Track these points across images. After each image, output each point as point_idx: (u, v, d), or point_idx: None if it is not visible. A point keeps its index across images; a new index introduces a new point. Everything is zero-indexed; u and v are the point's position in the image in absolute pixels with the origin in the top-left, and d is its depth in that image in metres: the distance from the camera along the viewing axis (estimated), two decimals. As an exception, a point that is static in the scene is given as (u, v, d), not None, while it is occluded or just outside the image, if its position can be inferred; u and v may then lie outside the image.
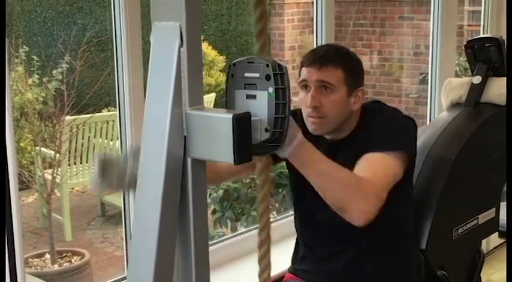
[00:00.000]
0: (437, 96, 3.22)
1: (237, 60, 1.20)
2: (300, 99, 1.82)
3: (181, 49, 1.11)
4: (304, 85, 1.81)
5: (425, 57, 6.03)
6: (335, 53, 1.86)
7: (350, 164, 1.81)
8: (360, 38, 7.18)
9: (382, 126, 1.83)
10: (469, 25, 6.71)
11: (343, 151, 1.85)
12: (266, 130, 1.15)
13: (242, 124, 1.10)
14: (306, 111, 1.82)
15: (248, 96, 1.18)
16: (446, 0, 3.29)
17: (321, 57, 1.81)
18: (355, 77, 1.84)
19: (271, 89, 1.15)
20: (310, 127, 1.82)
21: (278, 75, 1.14)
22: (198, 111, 1.13)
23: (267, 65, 1.15)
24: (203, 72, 6.74)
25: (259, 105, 1.16)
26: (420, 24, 6.63)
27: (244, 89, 1.18)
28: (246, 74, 1.17)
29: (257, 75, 1.16)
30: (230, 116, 1.09)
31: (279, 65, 1.15)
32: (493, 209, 2.22)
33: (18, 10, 7.02)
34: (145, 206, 1.17)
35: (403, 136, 1.83)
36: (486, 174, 2.20)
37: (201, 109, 1.14)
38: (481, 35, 3.29)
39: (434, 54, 3.37)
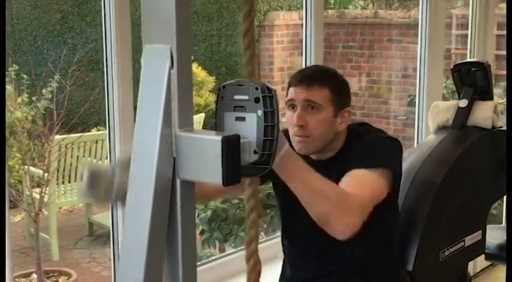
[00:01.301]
0: (425, 119, 3.26)
1: (226, 82, 1.22)
2: (287, 119, 1.84)
3: (172, 71, 1.13)
4: (291, 104, 1.83)
5: (413, 79, 6.06)
6: (322, 74, 1.89)
7: (335, 183, 1.83)
8: (349, 60, 7.23)
9: (367, 145, 1.85)
10: (456, 48, 6.78)
11: (329, 170, 1.85)
12: (255, 152, 1.17)
13: (231, 146, 1.11)
14: (292, 130, 1.83)
15: (237, 119, 1.19)
16: (434, 24, 3.33)
17: (308, 77, 1.84)
18: (341, 97, 1.86)
19: (260, 112, 1.16)
20: (296, 146, 1.84)
21: (267, 98, 1.16)
22: (188, 132, 1.15)
23: (256, 88, 1.16)
24: (193, 93, 6.76)
25: (249, 127, 1.18)
26: (408, 47, 6.69)
27: (234, 111, 1.19)
28: (236, 97, 1.19)
29: (246, 97, 1.18)
30: (219, 137, 1.10)
31: (268, 88, 1.17)
32: (480, 232, 2.24)
33: (8, 29, 7.03)
34: (134, 227, 1.17)
35: (388, 155, 1.85)
36: (472, 197, 2.22)
37: (191, 131, 1.16)
38: (468, 60, 3.33)
39: (421, 77, 3.41)
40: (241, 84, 1.19)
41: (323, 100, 1.81)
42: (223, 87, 1.21)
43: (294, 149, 1.81)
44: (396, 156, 1.87)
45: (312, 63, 2.80)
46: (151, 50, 1.16)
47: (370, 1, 8.65)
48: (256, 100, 1.16)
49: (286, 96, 1.85)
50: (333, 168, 1.86)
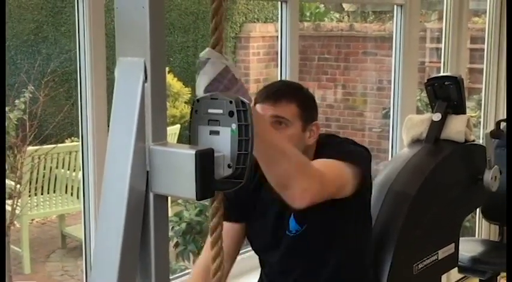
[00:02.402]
0: (399, 131, 3.28)
1: (200, 96, 1.21)
2: None
3: (146, 84, 1.12)
4: None
5: (388, 92, 6.12)
6: (288, 89, 1.88)
7: None
8: (325, 72, 7.27)
9: (336, 146, 1.86)
10: (431, 62, 6.86)
11: None
12: (229, 166, 1.16)
13: (205, 160, 1.11)
14: None
15: (211, 132, 1.18)
16: (408, 37, 3.36)
17: (275, 93, 1.83)
18: (309, 111, 1.86)
19: (234, 126, 1.16)
20: None
21: (241, 112, 1.16)
22: (161, 146, 1.14)
23: (231, 102, 1.16)
24: (168, 104, 6.74)
25: (223, 141, 1.17)
26: (383, 59, 6.75)
27: (208, 125, 1.19)
28: (210, 110, 1.19)
29: (220, 111, 1.17)
30: (193, 151, 1.10)
31: (242, 102, 1.16)
32: (453, 245, 2.26)
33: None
34: (106, 240, 1.16)
35: (356, 153, 1.85)
36: (446, 210, 2.24)
37: (164, 144, 1.15)
38: (441, 74, 3.37)
39: (396, 89, 3.43)
40: (215, 98, 1.18)
41: (291, 115, 1.81)
42: (198, 100, 1.20)
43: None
44: (364, 159, 1.86)
45: (288, 75, 2.80)
46: (125, 62, 1.15)
47: (345, 14, 8.72)
48: (231, 114, 1.16)
49: None
50: None
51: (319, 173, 1.60)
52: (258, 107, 1.83)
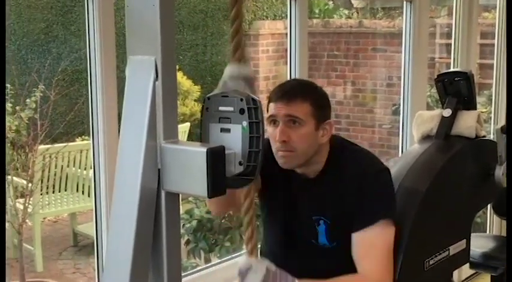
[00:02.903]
0: (409, 128, 3.27)
1: (211, 94, 1.22)
2: (269, 134, 1.84)
3: (156, 83, 1.13)
4: (273, 120, 1.83)
5: (398, 88, 6.11)
6: (302, 88, 1.89)
7: (325, 200, 1.87)
8: (334, 69, 7.26)
9: (363, 189, 1.85)
10: (440, 57, 6.83)
11: (317, 187, 1.90)
12: (240, 163, 1.17)
13: (216, 157, 1.11)
14: (275, 146, 1.84)
15: (222, 130, 1.19)
16: (418, 33, 3.35)
17: (288, 92, 1.84)
18: (322, 110, 1.87)
19: (245, 123, 1.16)
20: (280, 161, 1.85)
21: (252, 109, 1.16)
22: (173, 144, 1.15)
23: (241, 99, 1.17)
24: (178, 102, 6.75)
25: (234, 138, 1.17)
26: (393, 56, 6.73)
27: (219, 122, 1.19)
28: (221, 108, 1.19)
29: (231, 109, 1.18)
30: (204, 149, 1.11)
31: (253, 99, 1.17)
32: (464, 240, 2.25)
33: (-8, 38, 6.98)
34: (118, 238, 1.17)
35: (388, 199, 1.89)
36: (457, 206, 2.23)
37: (176, 142, 1.16)
38: (451, 70, 3.36)
39: (405, 85, 3.43)
40: (226, 96, 1.19)
41: (304, 114, 1.82)
42: (208, 98, 1.21)
43: (277, 164, 1.84)
44: (393, 193, 1.91)
45: (297, 73, 2.80)
46: (136, 61, 1.16)
47: (354, 10, 8.70)
48: (241, 111, 1.16)
49: (267, 112, 1.84)
50: (321, 186, 1.90)
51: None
52: (272, 105, 1.83)
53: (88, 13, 2.03)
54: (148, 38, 1.13)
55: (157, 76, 1.13)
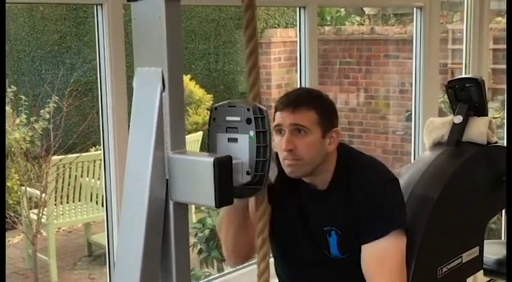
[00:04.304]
0: (421, 134, 3.25)
1: (218, 104, 1.22)
2: (275, 143, 1.84)
3: (163, 94, 1.13)
4: (279, 129, 1.83)
5: (410, 94, 6.09)
6: (307, 96, 1.88)
7: (335, 211, 1.87)
8: (346, 76, 7.25)
9: (373, 201, 1.85)
10: (453, 63, 6.81)
11: (327, 198, 1.90)
12: (247, 173, 1.17)
13: (223, 168, 1.11)
14: (281, 155, 1.83)
15: (230, 140, 1.19)
16: (428, 39, 3.34)
17: (294, 100, 1.83)
18: (328, 118, 1.86)
19: (252, 133, 1.16)
20: (287, 170, 1.84)
21: (259, 119, 1.16)
22: (180, 154, 1.15)
23: (248, 109, 1.17)
24: (190, 111, 6.77)
25: (241, 148, 1.17)
26: (405, 62, 6.71)
27: (226, 132, 1.19)
28: (228, 118, 1.19)
29: (238, 119, 1.18)
30: (211, 159, 1.11)
31: (260, 109, 1.17)
32: (477, 247, 2.23)
33: (6, 50, 7.06)
34: (127, 249, 1.17)
35: (398, 210, 1.88)
36: (469, 213, 2.22)
37: (183, 153, 1.16)
38: (462, 76, 3.34)
39: (417, 92, 3.42)
40: (233, 106, 1.19)
41: (310, 123, 1.81)
42: (215, 108, 1.21)
43: (285, 173, 1.84)
44: (403, 204, 1.90)
45: (307, 80, 2.81)
46: (143, 72, 1.16)
47: (366, 17, 8.70)
48: (248, 121, 1.17)
49: (273, 121, 1.85)
50: (330, 197, 1.89)
51: None
52: (278, 114, 1.83)
53: (98, 24, 2.05)
54: (155, 50, 1.13)
55: (164, 87, 1.13)
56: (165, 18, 1.11)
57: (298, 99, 1.84)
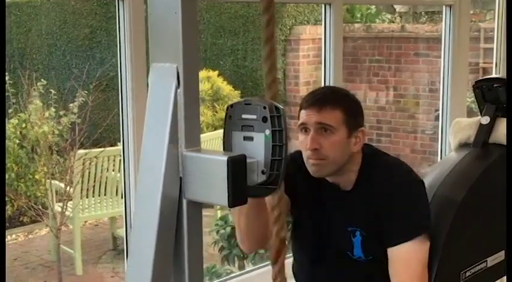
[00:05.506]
0: (449, 134, 3.21)
1: (234, 101, 1.20)
2: (300, 142, 1.81)
3: (178, 90, 1.12)
4: (304, 128, 1.80)
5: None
6: (333, 95, 1.86)
7: (360, 211, 1.84)
8: (376, 74, 7.19)
9: (399, 203, 1.82)
10: (484, 62, 6.70)
11: (352, 199, 1.87)
12: (263, 172, 1.14)
13: (237, 166, 1.10)
14: (306, 154, 1.81)
15: (245, 138, 1.17)
16: (458, 38, 3.29)
17: (320, 99, 1.81)
18: (354, 117, 1.83)
19: (268, 131, 1.14)
20: (311, 169, 1.82)
21: (275, 117, 1.14)
22: (195, 152, 1.13)
23: (264, 107, 1.14)
24: (218, 107, 6.76)
25: (256, 147, 1.15)
26: (435, 61, 6.63)
27: (242, 130, 1.17)
28: (244, 116, 1.17)
29: (254, 117, 1.16)
30: (225, 158, 1.09)
31: (276, 107, 1.15)
32: (502, 252, 2.18)
33: (38, 43, 7.13)
34: (139, 247, 1.16)
35: (423, 212, 1.85)
36: (494, 216, 2.17)
37: (198, 150, 1.14)
38: (489, 76, 3.28)
39: (445, 91, 3.37)
40: (249, 103, 1.17)
41: (336, 122, 1.78)
42: (231, 106, 1.19)
43: (309, 172, 1.82)
44: (428, 207, 1.87)
45: (332, 78, 2.78)
46: (158, 68, 1.15)
47: (397, 15, 8.61)
48: (264, 119, 1.14)
49: (298, 119, 1.82)
50: (354, 197, 1.86)
51: None
52: (303, 113, 1.81)
53: (119, 20, 2.04)
54: (171, 46, 1.11)
55: (179, 84, 1.11)
56: (181, 13, 1.09)
57: (324, 98, 1.82)
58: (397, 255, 1.81)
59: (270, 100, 1.18)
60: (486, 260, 2.11)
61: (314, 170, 1.81)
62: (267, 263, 3.11)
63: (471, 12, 3.81)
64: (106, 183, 5.02)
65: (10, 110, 5.39)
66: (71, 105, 5.25)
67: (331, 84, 2.76)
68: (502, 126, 2.22)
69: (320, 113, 1.78)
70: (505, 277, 2.37)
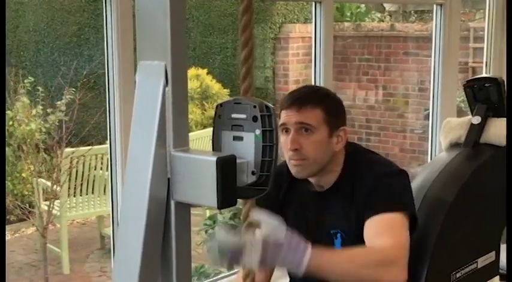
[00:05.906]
0: (439, 133, 3.20)
1: (223, 101, 1.18)
2: (281, 143, 1.77)
3: (166, 89, 1.09)
4: (285, 128, 1.77)
5: (429, 93, 6.03)
6: (313, 94, 1.83)
7: (341, 212, 1.79)
8: (365, 72, 7.18)
9: (381, 185, 1.75)
10: (474, 62, 6.71)
11: (333, 199, 1.83)
12: (253, 173, 1.12)
13: (227, 167, 1.07)
14: (287, 155, 1.78)
15: (235, 138, 1.15)
16: (448, 37, 3.28)
17: (299, 99, 1.78)
18: (335, 117, 1.80)
19: (258, 131, 1.12)
20: (293, 170, 1.79)
21: (265, 117, 1.12)
22: (183, 152, 1.11)
23: (254, 106, 1.12)
24: (207, 105, 6.72)
25: (246, 147, 1.13)
26: (425, 60, 6.62)
27: (231, 130, 1.15)
28: (233, 115, 1.15)
29: (244, 116, 1.14)
30: (215, 158, 1.07)
31: (267, 106, 1.12)
32: (493, 253, 2.17)
33: (25, 40, 7.07)
34: (126, 248, 1.14)
35: (406, 195, 1.77)
36: (485, 217, 2.16)
37: (186, 150, 1.12)
38: (480, 75, 3.27)
39: (435, 90, 3.36)
40: (238, 102, 1.15)
41: (316, 121, 1.75)
42: (221, 105, 1.17)
43: (291, 173, 1.79)
44: (408, 192, 1.78)
45: (322, 77, 2.76)
46: (146, 66, 1.12)
47: (387, 14, 8.61)
48: (254, 119, 1.12)
49: (279, 120, 1.78)
50: (337, 195, 1.82)
51: (398, 255, 1.59)
52: (283, 113, 1.78)
53: (106, 17, 2.02)
54: (159, 43, 1.09)
55: (167, 82, 1.09)
56: (169, 10, 1.07)
57: (303, 97, 1.78)
58: (375, 219, 1.69)
59: (260, 99, 1.16)
60: (477, 261, 2.10)
61: (296, 170, 1.79)
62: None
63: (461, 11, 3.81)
64: (94, 181, 4.97)
65: (-3, 108, 5.34)
66: (59, 102, 5.21)
67: (321, 83, 2.74)
68: (493, 126, 2.21)
69: (300, 113, 1.75)
70: (495, 278, 2.36)
